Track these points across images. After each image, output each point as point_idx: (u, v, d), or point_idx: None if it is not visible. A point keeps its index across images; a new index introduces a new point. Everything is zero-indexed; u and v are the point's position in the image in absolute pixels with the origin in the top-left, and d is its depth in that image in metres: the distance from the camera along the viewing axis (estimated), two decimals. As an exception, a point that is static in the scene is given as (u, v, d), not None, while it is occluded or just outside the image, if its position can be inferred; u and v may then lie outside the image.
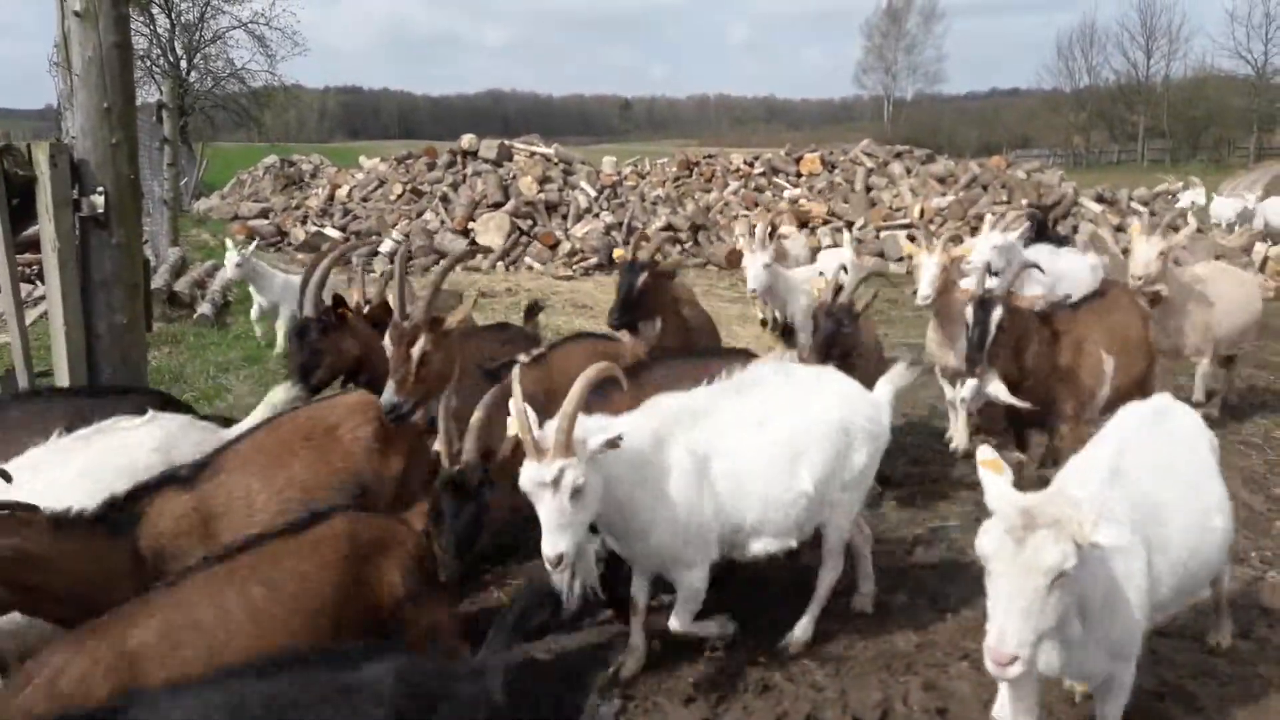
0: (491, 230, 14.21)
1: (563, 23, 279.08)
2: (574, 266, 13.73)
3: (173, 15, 35.30)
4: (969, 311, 4.85)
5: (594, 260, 13.89)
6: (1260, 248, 12.71)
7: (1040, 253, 7.64)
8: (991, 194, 16.16)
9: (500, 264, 13.82)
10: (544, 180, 15.72)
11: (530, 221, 14.65)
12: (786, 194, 16.96)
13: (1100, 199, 16.67)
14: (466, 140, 16.85)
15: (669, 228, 15.35)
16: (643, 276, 5.33)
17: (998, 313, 4.73)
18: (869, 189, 16.86)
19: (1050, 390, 5.11)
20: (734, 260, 14.23)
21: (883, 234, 14.98)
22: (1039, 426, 5.35)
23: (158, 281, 10.29)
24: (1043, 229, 9.74)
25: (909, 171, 17.37)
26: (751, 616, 4.34)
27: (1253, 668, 3.90)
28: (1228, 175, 22.99)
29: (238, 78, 37.31)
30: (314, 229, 15.83)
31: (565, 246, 14.09)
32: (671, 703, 3.72)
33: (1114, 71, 58.30)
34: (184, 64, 36.03)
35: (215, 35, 36.64)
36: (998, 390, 5.07)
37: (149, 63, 33.75)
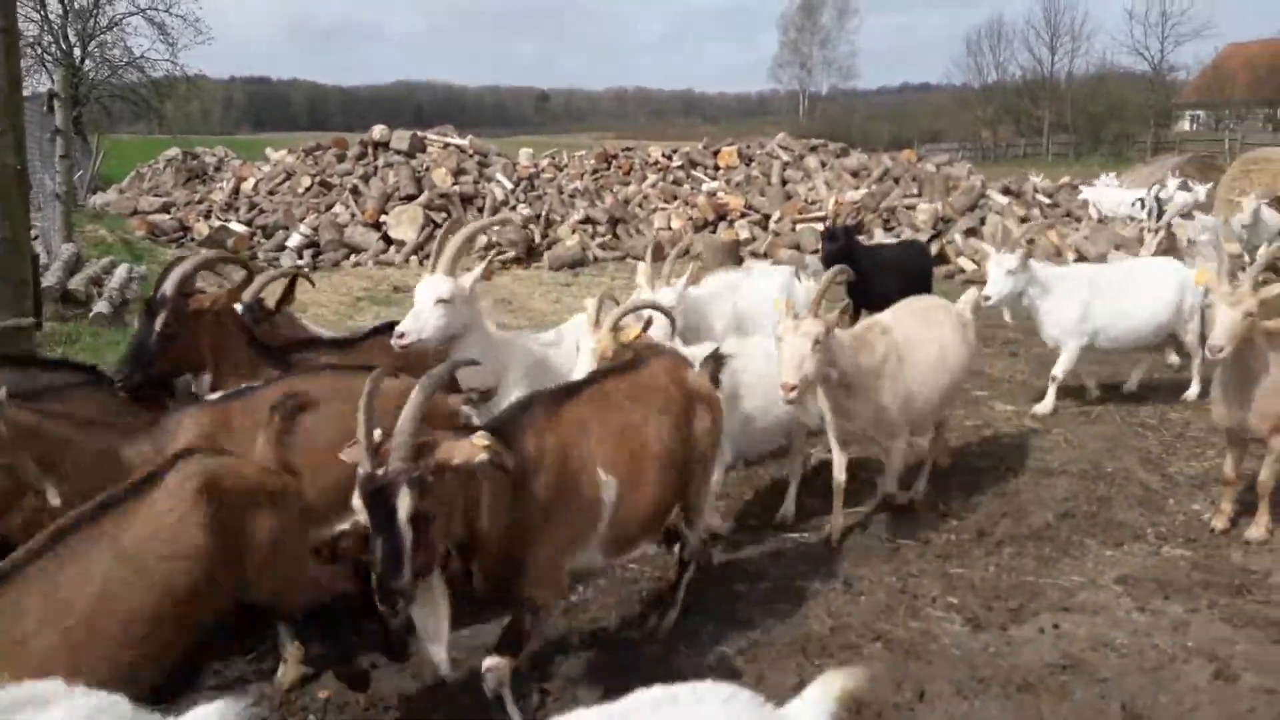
0: (405, 223, 13.93)
1: (476, 13, 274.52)
2: (491, 260, 13.57)
3: (65, 0, 33.81)
4: (357, 508, 2.76)
5: (511, 253, 13.74)
6: (1149, 238, 13.22)
7: (732, 279, 6.96)
8: (903, 187, 16.51)
9: (414, 257, 13.57)
10: (459, 172, 15.49)
11: (445, 214, 14.40)
12: (705, 187, 17.05)
13: (1007, 191, 17.16)
14: (378, 131, 16.49)
15: (587, 220, 15.27)
16: (162, 317, 3.79)
17: (405, 505, 2.61)
18: (785, 182, 17.06)
19: (507, 551, 3.06)
20: (656, 254, 14.21)
21: (799, 226, 15.16)
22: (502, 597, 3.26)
23: (50, 279, 9.78)
24: (848, 247, 7.76)
25: (824, 165, 17.63)
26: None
27: (1149, 638, 4.04)
28: (1127, 168, 23.97)
29: (136, 67, 35.98)
30: (218, 223, 15.31)
31: (481, 240, 13.89)
32: (591, 695, 3.68)
33: (1020, 67, 60.26)
34: (78, 51, 34.53)
35: (111, 22, 35.24)
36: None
37: (39, 50, 32.32)
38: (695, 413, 3.75)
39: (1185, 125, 55.52)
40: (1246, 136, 43.62)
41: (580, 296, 11.67)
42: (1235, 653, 3.91)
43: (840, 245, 7.69)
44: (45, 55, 32.65)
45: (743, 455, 5.35)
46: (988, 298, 6.79)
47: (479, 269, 4.62)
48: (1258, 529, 4.91)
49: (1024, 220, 15.72)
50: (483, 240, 13.83)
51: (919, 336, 4.99)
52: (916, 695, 3.66)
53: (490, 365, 4.46)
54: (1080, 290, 7.12)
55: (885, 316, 5.13)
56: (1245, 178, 16.86)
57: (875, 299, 7.49)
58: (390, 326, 4.54)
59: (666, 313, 4.76)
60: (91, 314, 9.60)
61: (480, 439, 2.79)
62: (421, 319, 4.38)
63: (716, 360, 4.09)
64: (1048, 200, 17.40)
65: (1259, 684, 3.70)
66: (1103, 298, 7.12)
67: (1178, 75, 58.64)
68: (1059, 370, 7.17)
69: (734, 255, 14.37)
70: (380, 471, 2.65)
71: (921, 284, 7.67)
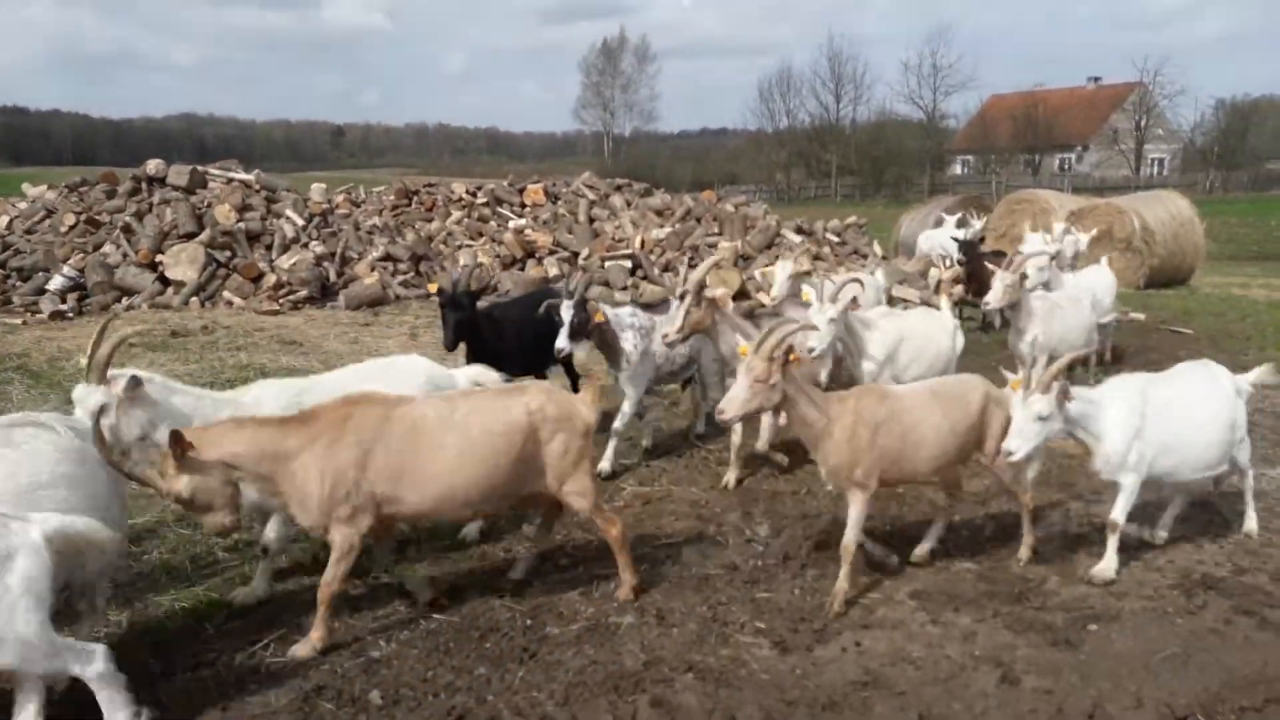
0: (183, 263, 12.91)
1: (262, 43, 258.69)
2: (280, 300, 12.79)
3: None
4: None
5: (304, 292, 13.03)
6: (934, 272, 14.23)
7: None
8: (705, 226, 17.04)
9: (195, 299, 12.61)
10: (244, 209, 14.58)
11: (229, 253, 13.50)
12: (512, 224, 16.94)
13: (800, 230, 18.07)
14: (153, 165, 15.30)
15: (388, 258, 14.77)
16: None
17: None
18: (592, 220, 17.22)
19: None
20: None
21: (607, 264, 15.31)
22: None
23: None
24: (473, 315, 6.72)
25: (629, 204, 17.95)
26: (481, 656, 4.15)
27: (942, 649, 4.21)
28: (906, 209, 25.95)
29: None
30: (-35, 265, 13.67)
31: (270, 279, 13.10)
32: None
33: (809, 114, 64.26)
34: None
35: None
36: None
37: None
38: None
39: (957, 169, 60.97)
40: (1010, 179, 48.36)
41: (380, 337, 11.22)
42: (1018, 657, 4.14)
43: (466, 315, 6.59)
44: None
45: None
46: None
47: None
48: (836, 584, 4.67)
49: (816, 258, 16.62)
50: (272, 279, 13.06)
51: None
52: (727, 724, 3.65)
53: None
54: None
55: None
56: (1010, 216, 18.55)
57: (505, 360, 6.50)
58: None
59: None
60: None
61: None
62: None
63: None
64: (836, 239, 18.44)
65: (1039, 685, 3.92)
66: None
67: (949, 123, 64.48)
68: (267, 538, 4.71)
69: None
70: None
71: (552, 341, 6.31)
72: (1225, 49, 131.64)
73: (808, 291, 6.97)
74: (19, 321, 11.46)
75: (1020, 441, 4.58)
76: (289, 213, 15.03)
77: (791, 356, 4.45)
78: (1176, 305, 14.65)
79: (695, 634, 4.35)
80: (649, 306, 7.82)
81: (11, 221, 14.92)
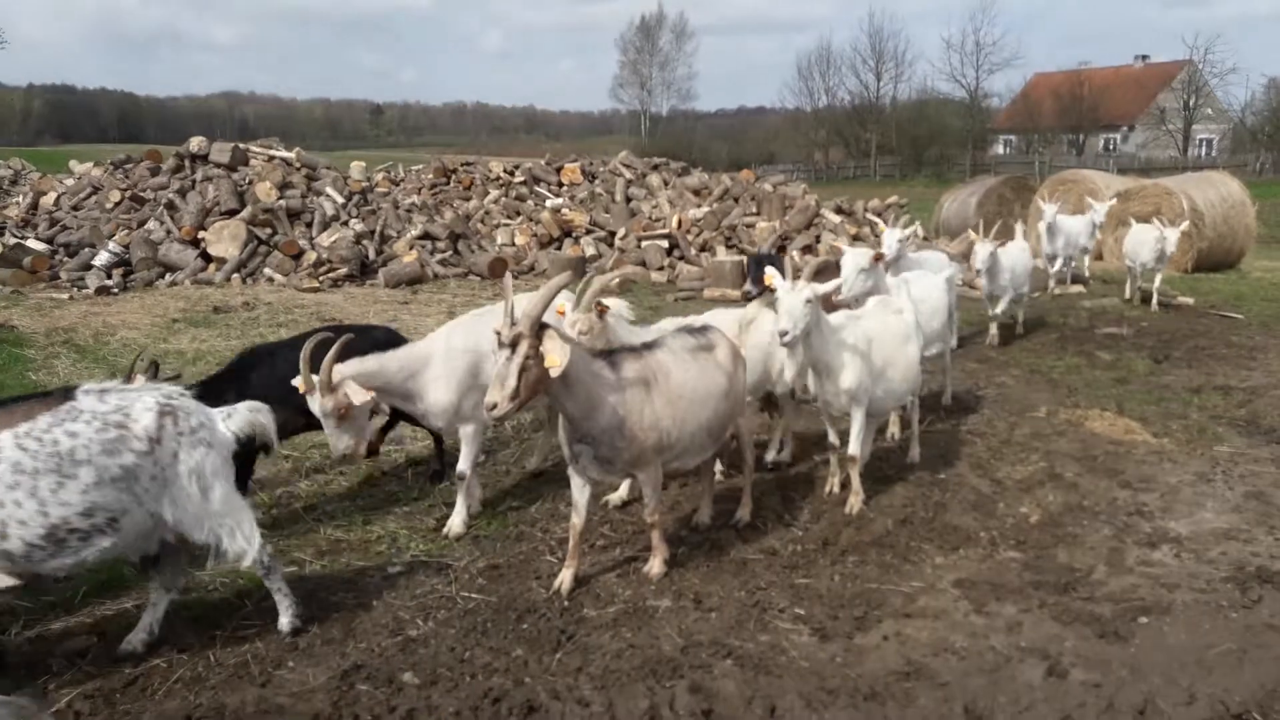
0: (225, 239, 13.05)
1: (301, 22, 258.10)
2: (321, 277, 12.88)
3: None
4: None
5: (344, 270, 13.11)
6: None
7: None
8: (743, 205, 16.88)
9: (236, 276, 12.74)
10: (284, 186, 14.69)
11: (270, 230, 13.61)
12: (549, 203, 16.91)
13: (839, 210, 17.83)
14: (195, 143, 15.46)
15: (426, 236, 14.81)
16: None
17: None
18: (629, 199, 17.13)
19: None
20: (497, 270, 13.96)
21: (644, 244, 15.23)
22: None
23: None
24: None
25: (666, 183, 17.83)
26: (519, 638, 4.13)
27: (986, 640, 4.13)
28: (948, 188, 25.51)
29: (-82, 70, 32.59)
30: (14, 241, 13.94)
31: (311, 256, 13.20)
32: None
33: (849, 92, 63.34)
34: None
35: (-112, 20, 31.82)
36: None
37: None
38: None
39: (999, 149, 59.81)
40: (1053, 159, 47.39)
41: (419, 315, 11.26)
42: (1065, 650, 4.04)
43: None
44: None
45: None
46: None
47: None
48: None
49: (855, 238, 16.39)
50: (312, 256, 13.16)
51: None
52: (767, 711, 3.60)
53: None
54: None
55: None
56: (1055, 196, 18.13)
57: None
58: None
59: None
60: None
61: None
62: None
63: None
64: (876, 218, 18.17)
65: (1087, 679, 3.82)
66: None
67: (991, 102, 63.21)
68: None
69: (580, 271, 14.28)
70: None
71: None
72: (1277, 26, 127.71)
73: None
74: (66, 296, 11.64)
75: None
76: (329, 191, 15.12)
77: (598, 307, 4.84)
78: (1226, 289, 14.28)
79: (734, 619, 4.30)
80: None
81: (59, 198, 15.17)
